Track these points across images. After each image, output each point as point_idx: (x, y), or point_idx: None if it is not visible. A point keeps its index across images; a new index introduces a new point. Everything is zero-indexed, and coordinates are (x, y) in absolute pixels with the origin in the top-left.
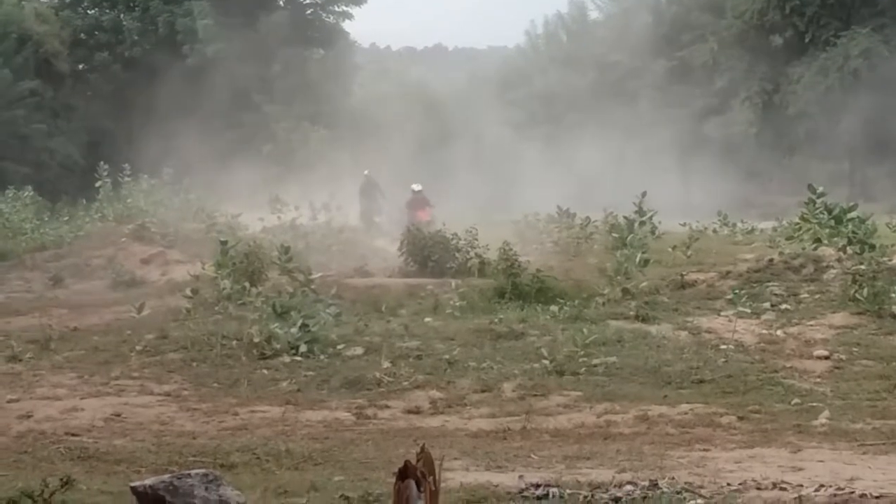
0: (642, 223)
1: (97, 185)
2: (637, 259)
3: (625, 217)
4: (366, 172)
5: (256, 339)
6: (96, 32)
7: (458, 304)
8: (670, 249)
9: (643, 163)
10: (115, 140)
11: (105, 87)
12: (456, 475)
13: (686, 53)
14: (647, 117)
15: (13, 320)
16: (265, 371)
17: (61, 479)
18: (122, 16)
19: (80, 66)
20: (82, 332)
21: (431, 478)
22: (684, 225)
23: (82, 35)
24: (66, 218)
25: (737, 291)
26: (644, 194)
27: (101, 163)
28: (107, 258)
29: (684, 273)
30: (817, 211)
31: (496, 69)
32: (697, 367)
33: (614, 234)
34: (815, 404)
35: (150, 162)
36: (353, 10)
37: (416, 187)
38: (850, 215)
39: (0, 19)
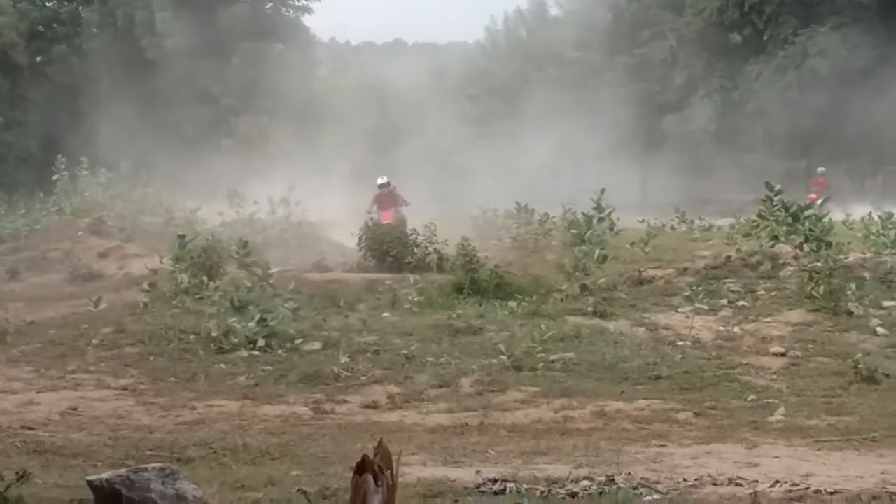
0: (600, 219)
1: (54, 178)
2: (595, 255)
3: (583, 213)
4: (381, 180)
5: (214, 334)
6: (54, 24)
7: (416, 299)
8: (628, 246)
9: (602, 159)
10: (73, 133)
11: (63, 80)
12: (413, 470)
13: (645, 50)
14: (606, 113)
15: None
16: (223, 365)
17: (17, 473)
18: (80, 8)
19: (38, 59)
20: (38, 325)
21: (389, 472)
22: (642, 221)
23: (40, 27)
24: (22, 211)
25: (694, 288)
26: (602, 191)
27: (59, 155)
28: (64, 252)
29: (642, 269)
30: (775, 208)
31: (456, 64)
32: (654, 363)
33: (573, 231)
34: (770, 401)
35: (108, 155)
36: (313, 4)
37: (381, 180)
38: (806, 213)
39: None
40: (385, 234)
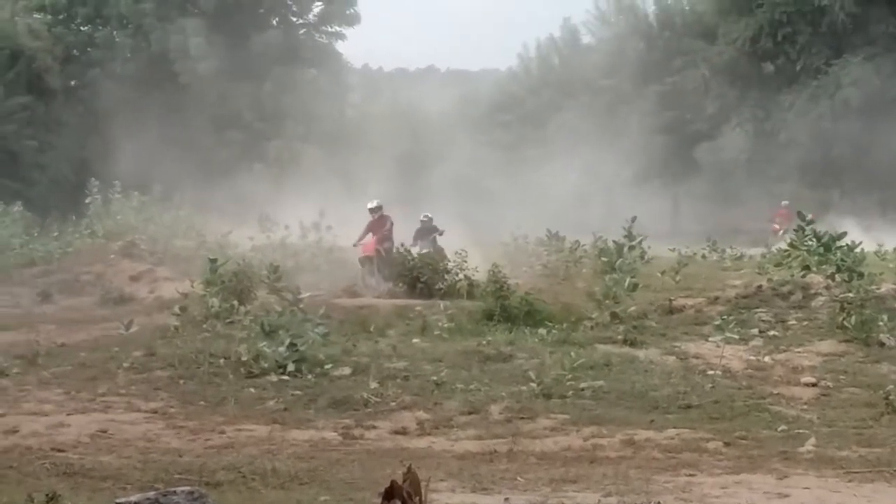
0: (631, 248)
1: (87, 201)
2: (626, 283)
3: (614, 241)
4: (424, 217)
5: (244, 358)
6: (89, 49)
7: (446, 325)
8: (659, 274)
9: (633, 187)
10: (106, 156)
11: (96, 104)
12: (442, 496)
13: (677, 79)
14: (637, 142)
15: (0, 335)
16: (252, 390)
17: (47, 495)
18: (114, 32)
19: (72, 83)
20: (70, 347)
21: (417, 498)
22: (673, 250)
23: (75, 51)
24: (55, 234)
25: (725, 317)
26: (634, 219)
27: (92, 179)
28: (96, 275)
29: (673, 298)
30: (806, 238)
31: (488, 91)
32: (684, 392)
33: (603, 259)
34: (801, 431)
35: (141, 179)
36: (346, 30)
37: (371, 204)
38: (838, 243)
39: None
40: (415, 261)
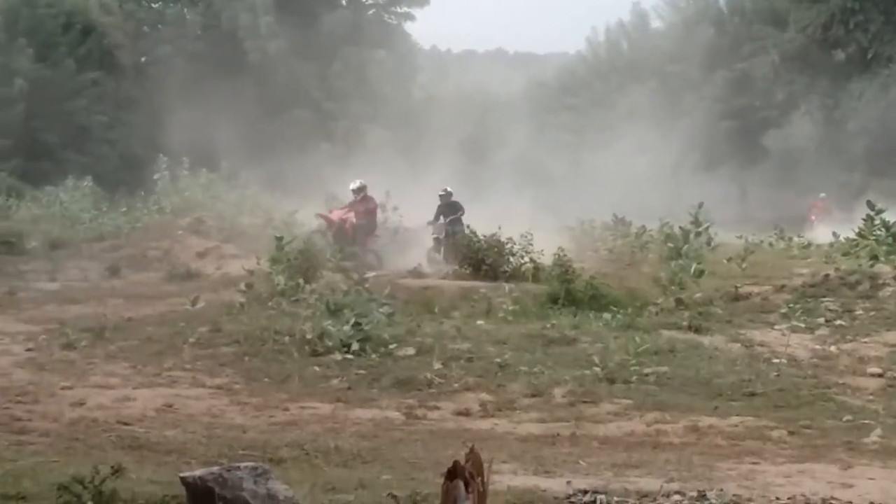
0: (698, 234)
1: (155, 177)
2: (692, 269)
3: (680, 227)
4: (443, 191)
5: (309, 336)
6: (159, 26)
7: (510, 308)
8: (725, 261)
9: (700, 173)
10: (175, 133)
11: (166, 81)
12: (504, 478)
13: (746, 65)
14: (705, 127)
15: (69, 308)
16: (316, 368)
17: (112, 467)
18: (185, 10)
19: (142, 59)
20: (137, 322)
21: (480, 479)
22: (740, 237)
23: (145, 28)
24: (124, 209)
25: (791, 306)
26: (700, 205)
27: (160, 155)
28: (163, 250)
29: (739, 285)
30: (875, 227)
31: (555, 75)
32: (749, 379)
33: (669, 244)
34: (867, 422)
35: (209, 156)
36: (415, 11)
37: (354, 185)
38: None
39: (65, 10)
40: (481, 243)
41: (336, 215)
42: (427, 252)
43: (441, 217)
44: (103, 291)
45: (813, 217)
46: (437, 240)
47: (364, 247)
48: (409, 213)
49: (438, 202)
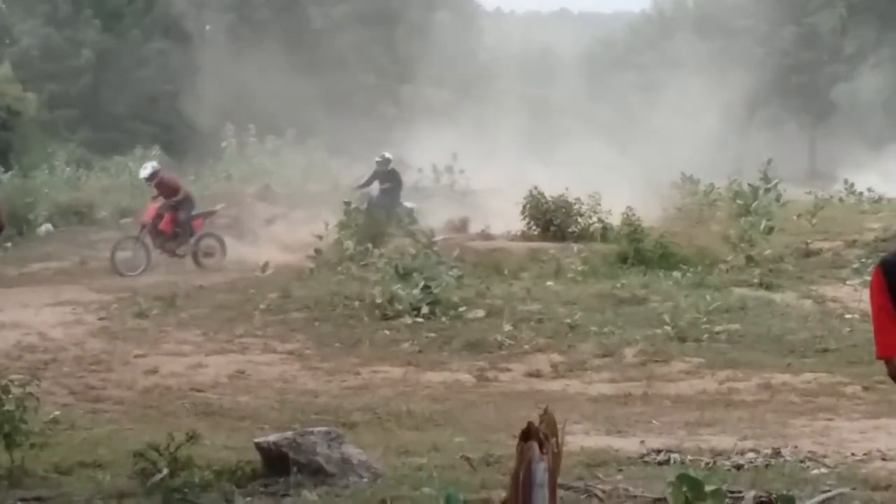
0: (767, 190)
1: (223, 145)
2: (761, 226)
3: (749, 184)
4: (379, 157)
5: (378, 300)
6: None
7: (579, 268)
8: (795, 217)
9: (768, 129)
10: (241, 101)
11: (232, 49)
12: (577, 439)
13: (814, 19)
14: (773, 83)
15: (140, 277)
16: (387, 332)
17: (187, 434)
18: None
19: (207, 27)
20: (207, 289)
21: (554, 440)
22: (809, 193)
23: None
24: (192, 177)
25: (863, 261)
26: (769, 161)
27: (227, 123)
28: (231, 217)
29: (809, 241)
30: None
31: (621, 34)
32: (822, 336)
33: (738, 201)
34: None
35: (275, 123)
36: None
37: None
38: None
39: None
40: (549, 203)
41: (150, 213)
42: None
43: (376, 186)
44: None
45: None
46: (356, 210)
47: (192, 237)
48: (477, 176)
49: (374, 168)
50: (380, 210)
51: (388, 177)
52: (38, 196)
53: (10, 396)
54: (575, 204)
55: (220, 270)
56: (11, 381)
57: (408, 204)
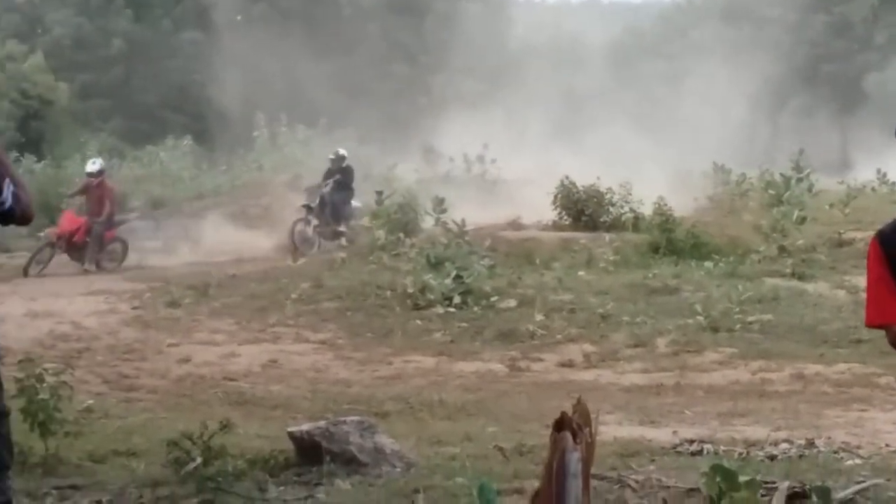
0: (799, 180)
1: (254, 134)
2: (794, 216)
3: (781, 174)
4: (333, 154)
5: (410, 290)
6: None
7: (611, 258)
8: (827, 207)
9: (799, 119)
10: (272, 90)
11: (261, 38)
12: (609, 429)
13: (845, 8)
14: (803, 73)
15: (172, 267)
16: (419, 321)
17: (220, 423)
18: None
19: (238, 17)
20: (240, 279)
21: (587, 430)
22: (841, 183)
23: None
24: (223, 167)
25: None
26: (801, 151)
27: (258, 113)
28: (263, 207)
29: (842, 231)
30: None
31: (651, 23)
32: (855, 326)
33: (770, 191)
34: None
35: (306, 112)
36: None
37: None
38: None
39: None
40: (580, 193)
41: (67, 223)
42: (291, 225)
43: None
44: (205, 249)
45: None
46: (307, 208)
47: (102, 245)
48: (507, 165)
49: (329, 165)
50: (330, 206)
51: (346, 173)
52: (70, 186)
53: (45, 385)
54: (606, 193)
55: (252, 261)
56: (45, 369)
57: (355, 203)
